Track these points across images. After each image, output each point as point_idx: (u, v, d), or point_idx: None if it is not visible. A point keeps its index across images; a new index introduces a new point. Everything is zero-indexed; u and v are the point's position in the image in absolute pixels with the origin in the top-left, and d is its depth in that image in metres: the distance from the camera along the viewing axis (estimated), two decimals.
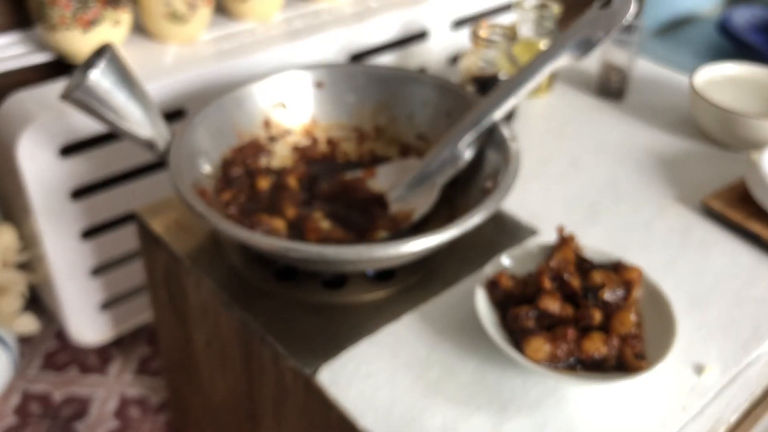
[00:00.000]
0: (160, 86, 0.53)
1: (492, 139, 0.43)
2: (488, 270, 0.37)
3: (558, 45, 0.41)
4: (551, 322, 0.34)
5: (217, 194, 0.42)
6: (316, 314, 0.38)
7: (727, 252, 0.43)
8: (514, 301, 0.36)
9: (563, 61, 0.41)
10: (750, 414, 0.35)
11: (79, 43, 0.53)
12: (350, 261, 0.35)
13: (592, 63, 0.63)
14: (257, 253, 0.41)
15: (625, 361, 0.33)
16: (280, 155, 0.47)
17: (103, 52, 0.36)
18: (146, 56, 0.57)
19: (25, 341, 0.66)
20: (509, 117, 0.55)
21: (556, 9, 0.57)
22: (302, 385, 0.35)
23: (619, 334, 0.34)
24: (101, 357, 0.65)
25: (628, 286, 0.35)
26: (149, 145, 0.39)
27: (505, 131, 0.42)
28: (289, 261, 0.39)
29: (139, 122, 0.38)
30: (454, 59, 0.74)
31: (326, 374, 0.34)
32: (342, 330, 0.37)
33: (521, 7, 0.57)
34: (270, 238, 0.34)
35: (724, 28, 0.92)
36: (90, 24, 0.53)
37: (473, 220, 0.35)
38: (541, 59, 0.41)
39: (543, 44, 0.58)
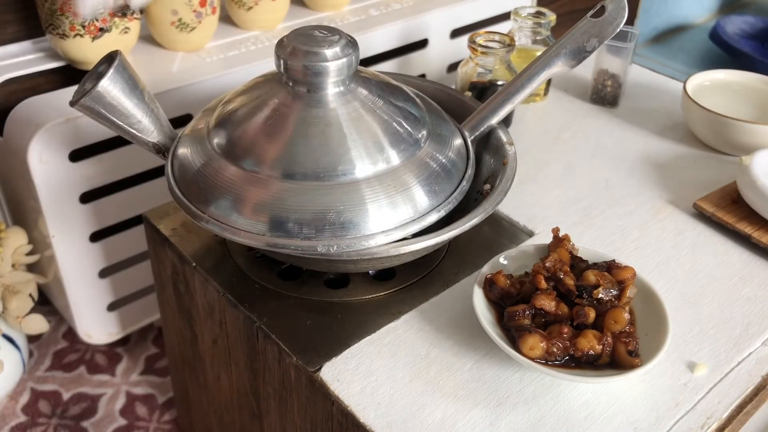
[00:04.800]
0: (168, 93, 0.55)
1: (490, 143, 0.44)
2: (486, 270, 0.38)
3: (553, 53, 0.42)
4: (547, 320, 0.35)
5: None
6: (319, 313, 0.39)
7: (719, 253, 0.44)
8: (510, 300, 0.37)
9: (558, 68, 0.42)
10: (741, 410, 0.36)
11: (89, 50, 0.55)
12: (352, 261, 0.36)
13: (587, 70, 0.64)
14: (262, 254, 0.42)
15: (619, 358, 0.34)
16: None
17: (111, 59, 0.37)
18: (154, 63, 0.58)
19: (34, 341, 0.67)
20: (506, 122, 0.57)
21: (551, 17, 0.59)
22: (305, 382, 0.36)
23: (613, 332, 0.34)
24: (109, 356, 0.66)
25: (621, 285, 0.36)
26: (157, 149, 0.40)
27: (503, 135, 0.44)
28: (294, 261, 0.40)
29: (147, 128, 0.39)
30: (454, 66, 0.75)
31: (329, 371, 0.35)
32: (344, 328, 0.38)
33: (518, 16, 0.58)
34: (275, 239, 0.35)
35: (716, 35, 0.94)
36: (99, 32, 0.54)
37: (471, 221, 0.36)
38: (536, 67, 0.42)
39: (539, 52, 0.59)
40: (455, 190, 0.38)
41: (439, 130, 0.40)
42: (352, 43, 0.37)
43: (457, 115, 0.45)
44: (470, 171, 0.40)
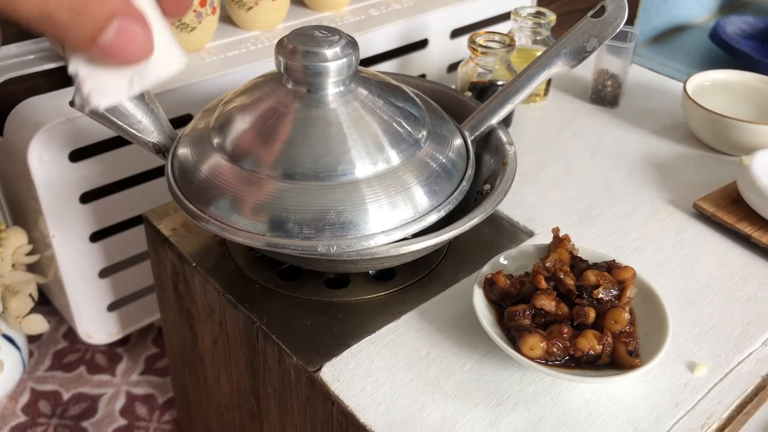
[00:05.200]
0: (168, 93, 0.55)
1: (490, 143, 0.44)
2: (486, 270, 0.38)
3: (553, 53, 0.42)
4: (547, 321, 0.35)
5: None
6: (318, 313, 0.39)
7: (719, 253, 0.45)
8: (510, 300, 0.37)
9: (558, 68, 0.42)
10: (741, 410, 0.36)
11: None
12: (352, 261, 0.36)
13: (587, 70, 0.64)
14: (262, 254, 0.42)
15: (619, 358, 0.34)
16: None
17: None
18: None
19: (34, 341, 0.67)
20: (507, 122, 0.57)
21: (551, 17, 0.59)
22: (305, 382, 0.36)
23: (613, 332, 0.34)
24: (109, 357, 0.66)
25: (621, 285, 0.36)
26: (157, 149, 0.40)
27: (503, 135, 0.44)
28: (294, 261, 0.40)
29: (147, 128, 0.39)
30: (454, 66, 0.75)
31: (329, 371, 0.35)
32: (344, 328, 0.38)
33: (518, 16, 0.58)
34: (275, 239, 0.35)
35: (716, 35, 0.94)
36: None
37: (471, 221, 0.37)
38: (536, 67, 0.42)
39: (539, 52, 0.59)
40: (455, 191, 0.38)
41: (439, 130, 0.40)
42: (352, 44, 0.38)
43: (457, 115, 0.45)
44: (470, 171, 0.40)
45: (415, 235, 0.36)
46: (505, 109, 0.43)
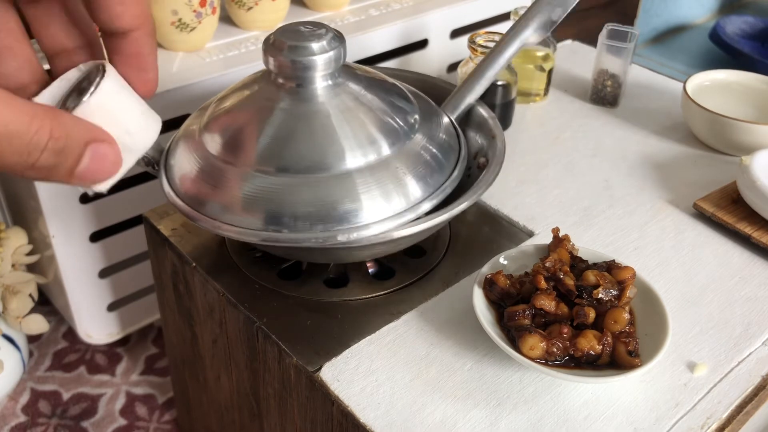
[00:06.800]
0: (168, 93, 0.55)
1: (471, 121, 0.45)
2: (486, 270, 0.38)
3: (520, 26, 0.43)
4: (546, 321, 0.35)
5: None
6: (319, 313, 0.39)
7: (719, 253, 0.45)
8: (510, 300, 0.37)
9: (527, 39, 0.43)
10: (741, 410, 0.36)
11: None
12: (346, 249, 0.36)
13: (587, 70, 0.64)
14: (262, 254, 0.42)
15: (619, 358, 0.34)
16: None
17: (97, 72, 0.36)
18: None
19: (34, 341, 0.67)
20: (506, 123, 0.57)
21: None
22: (305, 382, 0.36)
23: (613, 332, 0.34)
24: (109, 356, 0.67)
25: (621, 285, 0.36)
26: (146, 162, 0.39)
27: (483, 111, 0.44)
28: (292, 254, 0.40)
29: None
30: (454, 66, 0.75)
31: (328, 371, 0.35)
32: (344, 328, 0.38)
33: (517, 16, 0.58)
34: (274, 234, 0.35)
35: (716, 35, 0.94)
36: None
37: (477, 193, 0.37)
38: (506, 42, 0.44)
39: (539, 52, 0.59)
40: (452, 173, 0.39)
41: (429, 118, 0.40)
42: (339, 37, 0.38)
43: (438, 99, 0.46)
44: (463, 152, 0.40)
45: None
46: (481, 86, 0.44)
